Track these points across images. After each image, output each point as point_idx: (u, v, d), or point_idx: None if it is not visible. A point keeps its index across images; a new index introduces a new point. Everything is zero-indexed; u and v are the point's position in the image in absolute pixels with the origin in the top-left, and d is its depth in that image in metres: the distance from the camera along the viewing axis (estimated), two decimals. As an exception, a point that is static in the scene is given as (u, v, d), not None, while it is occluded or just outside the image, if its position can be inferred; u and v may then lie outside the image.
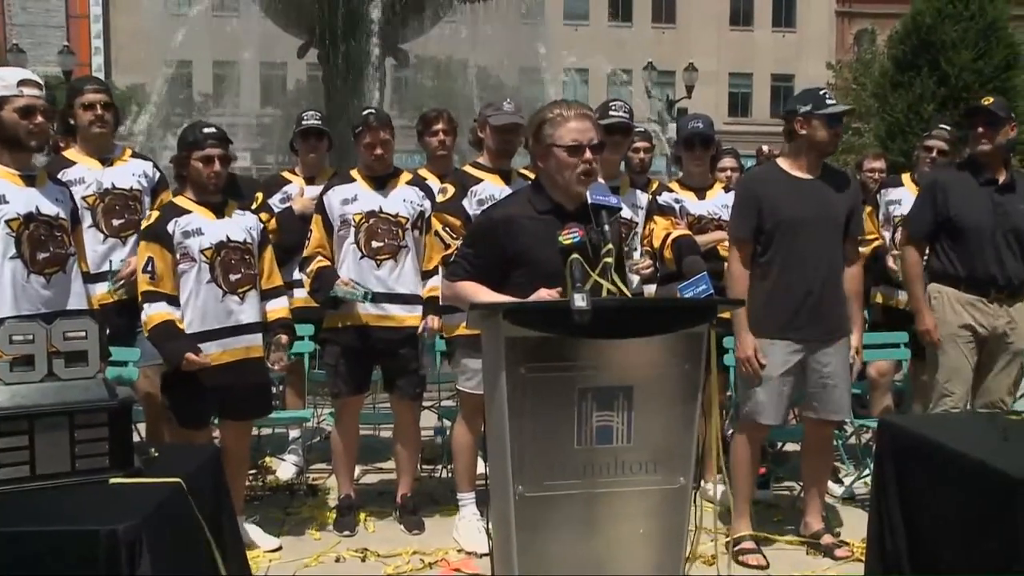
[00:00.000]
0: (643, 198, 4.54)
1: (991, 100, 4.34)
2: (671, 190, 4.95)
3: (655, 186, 4.86)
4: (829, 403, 3.97)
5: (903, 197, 5.15)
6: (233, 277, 3.85)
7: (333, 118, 7.02)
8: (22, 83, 3.40)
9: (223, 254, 3.83)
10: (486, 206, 3.95)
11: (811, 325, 3.88)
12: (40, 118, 3.45)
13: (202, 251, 3.79)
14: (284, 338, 3.98)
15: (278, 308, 4.05)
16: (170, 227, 3.78)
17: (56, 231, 3.55)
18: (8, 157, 3.46)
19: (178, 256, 3.78)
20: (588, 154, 2.85)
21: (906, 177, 5.34)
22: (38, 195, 3.52)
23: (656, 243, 4.48)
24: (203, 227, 3.82)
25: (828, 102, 3.90)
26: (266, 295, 4.01)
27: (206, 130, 3.87)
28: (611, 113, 4.32)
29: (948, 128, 5.46)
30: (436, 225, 4.11)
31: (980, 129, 4.23)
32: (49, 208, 3.54)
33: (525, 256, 2.87)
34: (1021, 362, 4.35)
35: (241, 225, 3.94)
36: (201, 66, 28.23)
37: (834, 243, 3.93)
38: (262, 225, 4.13)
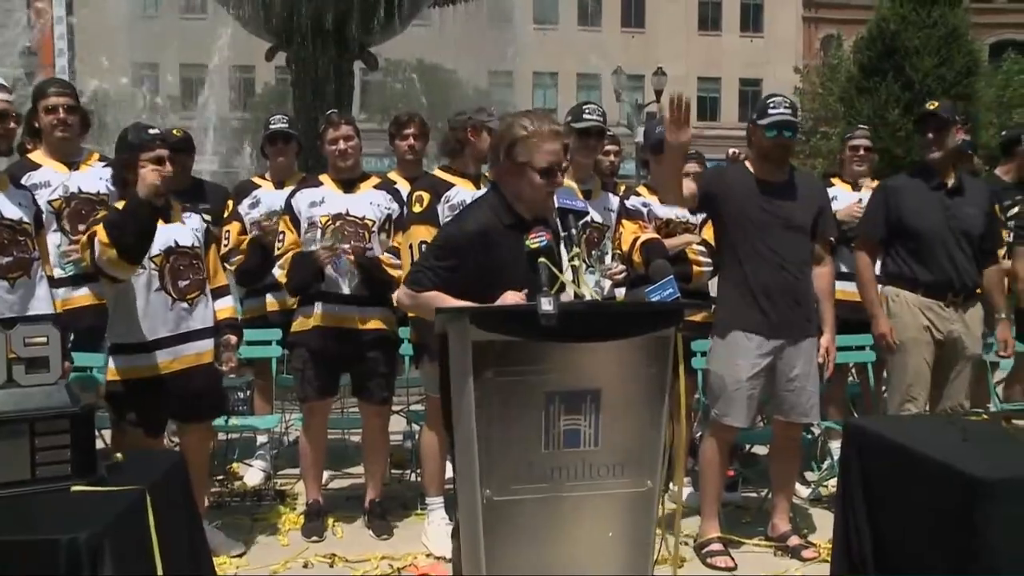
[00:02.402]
0: (615, 201, 4.57)
1: (936, 104, 4.39)
2: (639, 194, 4.97)
3: (622, 190, 4.89)
4: (797, 406, 4.00)
5: (838, 195, 5.24)
6: (182, 283, 3.77)
7: (301, 121, 6.99)
8: None
9: (172, 260, 3.74)
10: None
11: (781, 326, 3.92)
12: (11, 124, 3.41)
13: (151, 258, 3.67)
14: (233, 339, 3.93)
15: (225, 308, 3.99)
16: None
17: (19, 235, 3.50)
18: None
19: None
20: (559, 177, 2.84)
21: (835, 179, 5.44)
22: (1, 199, 3.47)
23: (624, 247, 4.50)
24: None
25: (770, 111, 3.95)
26: (212, 295, 3.95)
27: (152, 131, 3.73)
28: (586, 116, 4.33)
29: (864, 127, 5.64)
30: (416, 236, 3.97)
31: (930, 135, 4.27)
32: (12, 212, 3.49)
33: (502, 272, 2.81)
34: (971, 365, 4.41)
35: (187, 228, 3.86)
36: (168, 69, 28.01)
37: (800, 245, 3.97)
38: (205, 225, 4.04)
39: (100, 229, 3.49)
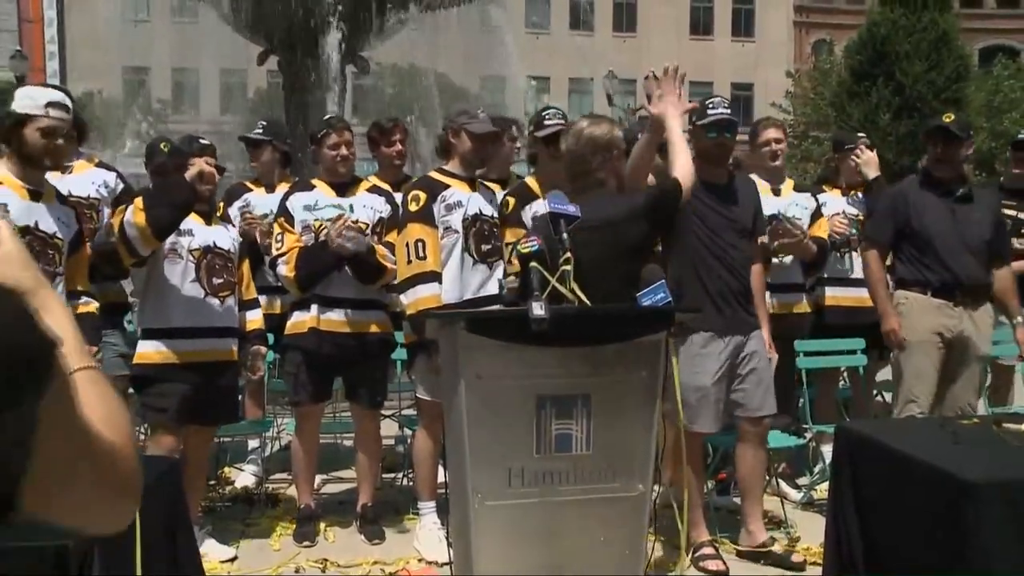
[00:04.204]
0: None
1: (951, 118, 4.43)
2: None
3: None
4: (755, 397, 4.01)
5: (828, 200, 5.27)
6: (216, 281, 3.96)
7: (293, 125, 6.99)
8: (49, 104, 3.51)
9: (209, 257, 3.96)
10: (455, 211, 3.96)
11: (736, 324, 3.96)
12: (61, 140, 3.55)
13: (191, 251, 3.91)
14: (264, 349, 4.16)
15: (255, 319, 4.18)
16: None
17: (49, 249, 3.58)
18: (22, 171, 3.56)
19: (166, 251, 3.86)
20: None
21: (826, 186, 5.49)
22: (41, 210, 3.59)
23: None
24: (194, 229, 3.94)
25: (710, 112, 3.99)
26: (243, 306, 4.11)
27: (203, 141, 4.02)
28: (547, 123, 4.25)
29: (862, 135, 5.64)
30: (412, 234, 3.98)
31: (938, 149, 4.33)
32: (48, 225, 3.60)
33: None
34: (985, 366, 4.44)
35: (226, 235, 4.08)
36: (159, 72, 27.96)
37: (746, 245, 4.05)
38: (241, 239, 4.25)
39: (139, 199, 3.74)
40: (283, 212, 4.35)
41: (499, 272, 4.05)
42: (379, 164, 5.02)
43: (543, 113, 4.37)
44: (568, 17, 38.92)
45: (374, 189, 4.50)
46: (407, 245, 3.98)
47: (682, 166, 3.35)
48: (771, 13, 39.96)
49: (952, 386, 4.33)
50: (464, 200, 4.02)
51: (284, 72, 8.34)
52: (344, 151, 4.31)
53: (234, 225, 5.05)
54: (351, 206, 4.31)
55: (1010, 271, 4.54)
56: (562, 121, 4.28)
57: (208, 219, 4.02)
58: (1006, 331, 5.40)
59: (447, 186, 4.07)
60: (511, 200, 4.16)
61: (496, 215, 4.16)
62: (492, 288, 4.00)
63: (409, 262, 3.96)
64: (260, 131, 5.32)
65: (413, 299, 3.93)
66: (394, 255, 4.15)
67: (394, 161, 4.90)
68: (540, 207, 3.98)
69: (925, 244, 4.30)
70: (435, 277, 3.94)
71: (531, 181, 4.27)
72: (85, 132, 4.54)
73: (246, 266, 4.20)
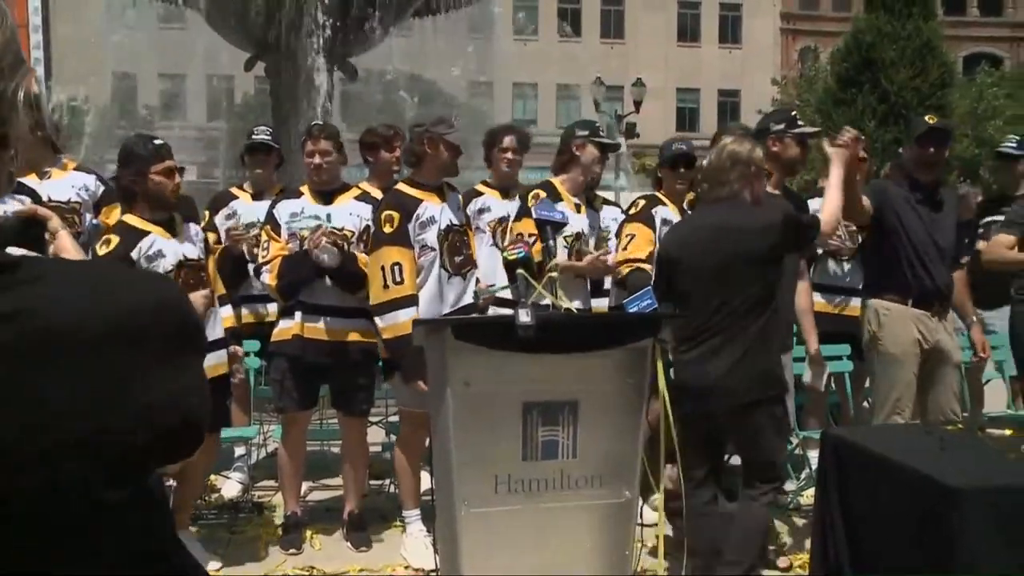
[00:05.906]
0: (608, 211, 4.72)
1: (935, 120, 4.38)
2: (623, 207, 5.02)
3: (599, 202, 4.92)
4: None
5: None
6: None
7: (280, 132, 6.96)
8: None
9: (183, 274, 3.81)
10: (429, 228, 3.95)
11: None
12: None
13: (166, 272, 3.72)
14: (240, 350, 4.09)
15: (226, 316, 4.10)
16: (134, 254, 3.70)
17: None
18: None
19: None
20: None
21: None
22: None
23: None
24: (163, 248, 3.77)
25: (799, 122, 4.15)
26: None
27: (157, 141, 3.82)
28: (603, 132, 4.59)
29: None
30: (388, 258, 3.92)
31: (931, 150, 4.24)
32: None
33: None
34: (961, 373, 4.45)
35: (193, 241, 3.92)
36: (146, 78, 27.85)
37: (797, 259, 4.10)
38: (203, 234, 4.13)
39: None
40: (270, 220, 4.33)
41: (473, 283, 4.08)
42: (374, 170, 4.94)
43: (596, 124, 4.66)
44: (556, 24, 39.01)
45: (363, 196, 4.47)
46: (383, 268, 3.91)
47: (830, 211, 3.66)
48: (758, 20, 40.18)
49: (933, 394, 4.27)
50: (436, 214, 3.99)
51: (271, 78, 8.32)
52: (317, 160, 4.24)
53: (218, 233, 5.05)
54: (329, 215, 4.26)
55: (963, 273, 4.60)
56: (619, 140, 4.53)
57: (172, 230, 3.84)
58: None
59: (419, 201, 4.01)
60: (542, 192, 4.32)
61: (463, 222, 4.18)
62: (468, 299, 4.01)
63: (386, 286, 3.89)
64: (269, 138, 5.22)
65: (391, 323, 3.88)
66: None
67: (392, 167, 4.86)
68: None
69: (903, 252, 4.21)
70: (413, 301, 3.88)
71: (558, 183, 4.48)
72: (60, 137, 4.51)
73: (211, 264, 4.07)
